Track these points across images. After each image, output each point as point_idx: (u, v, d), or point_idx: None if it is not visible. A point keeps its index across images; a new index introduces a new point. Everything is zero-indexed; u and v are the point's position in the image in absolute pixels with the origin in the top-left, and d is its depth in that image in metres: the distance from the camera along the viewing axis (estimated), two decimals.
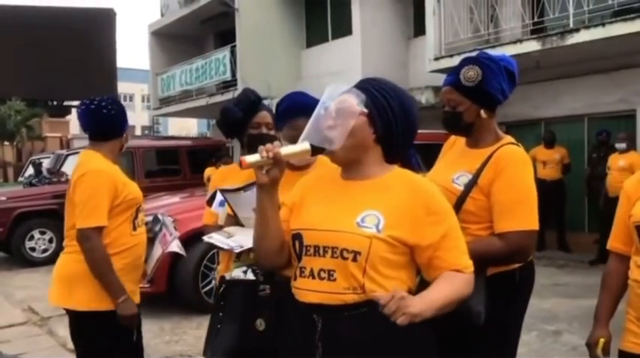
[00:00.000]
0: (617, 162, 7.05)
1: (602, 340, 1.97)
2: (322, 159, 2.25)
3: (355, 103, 1.53)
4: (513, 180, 1.94)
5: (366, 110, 1.54)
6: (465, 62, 2.06)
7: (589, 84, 8.18)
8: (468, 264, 1.54)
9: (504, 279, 1.98)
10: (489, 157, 1.98)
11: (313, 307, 1.50)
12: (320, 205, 1.58)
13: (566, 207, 8.18)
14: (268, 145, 1.49)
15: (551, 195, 8.04)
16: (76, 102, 17.43)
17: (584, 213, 8.23)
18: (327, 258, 1.48)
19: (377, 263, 1.45)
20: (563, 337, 4.52)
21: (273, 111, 2.58)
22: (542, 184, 8.04)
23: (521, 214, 1.92)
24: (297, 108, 2.19)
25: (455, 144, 2.24)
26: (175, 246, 2.72)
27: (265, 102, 2.67)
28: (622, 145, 7.08)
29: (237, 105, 2.58)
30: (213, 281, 5.52)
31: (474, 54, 2.16)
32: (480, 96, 2.02)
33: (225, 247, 2.03)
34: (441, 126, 2.19)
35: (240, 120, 2.56)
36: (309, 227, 1.54)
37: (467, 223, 1.93)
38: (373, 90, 1.57)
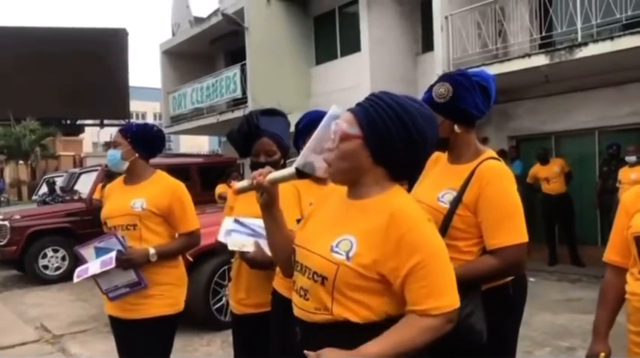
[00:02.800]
0: (628, 175, 7.02)
1: (602, 354, 1.97)
2: None
3: (348, 127, 1.49)
4: (498, 195, 1.95)
5: (360, 133, 1.48)
6: (439, 80, 2.10)
7: (599, 97, 8.16)
8: (437, 305, 1.39)
9: (498, 294, 1.99)
10: (472, 173, 1.99)
11: (297, 319, 1.57)
12: (314, 223, 1.62)
13: (576, 220, 8.13)
14: (255, 173, 1.62)
15: (558, 209, 8.01)
16: (89, 121, 17.63)
17: (597, 227, 8.16)
18: (305, 277, 1.52)
19: (344, 288, 1.42)
20: (578, 353, 4.45)
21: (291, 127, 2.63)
22: (548, 199, 8.04)
23: (512, 228, 1.93)
24: (316, 125, 2.26)
25: (438, 161, 2.24)
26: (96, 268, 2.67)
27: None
28: (632, 158, 7.05)
29: (238, 132, 2.64)
30: (224, 298, 5.53)
31: (478, 69, 2.19)
32: (452, 111, 2.04)
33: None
34: None
35: (242, 145, 2.63)
36: (299, 244, 1.59)
37: (456, 240, 1.96)
38: (370, 109, 1.49)
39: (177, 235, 2.83)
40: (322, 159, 1.54)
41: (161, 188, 2.81)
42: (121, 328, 2.84)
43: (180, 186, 2.85)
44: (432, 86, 2.10)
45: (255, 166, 2.65)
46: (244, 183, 1.64)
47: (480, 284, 1.94)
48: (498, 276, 1.99)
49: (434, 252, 1.42)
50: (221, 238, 2.52)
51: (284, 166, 2.74)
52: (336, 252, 1.45)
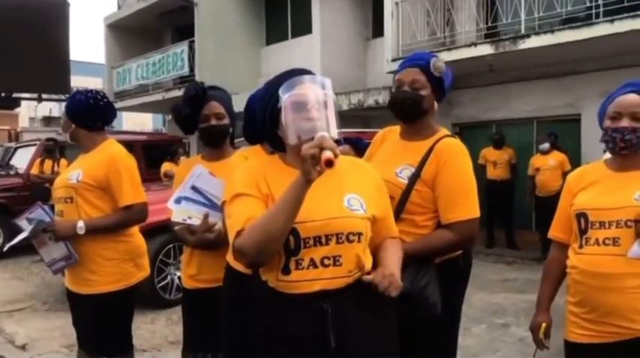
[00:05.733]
0: (546, 161, 7.54)
1: (544, 325, 2.11)
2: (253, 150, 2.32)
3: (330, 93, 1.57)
4: (456, 172, 2.04)
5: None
6: (432, 55, 2.15)
7: (539, 88, 8.50)
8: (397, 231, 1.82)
9: (450, 266, 2.09)
10: (430, 150, 2.06)
11: (317, 296, 1.53)
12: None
13: (514, 206, 8.48)
14: (327, 141, 1.41)
15: (500, 194, 8.33)
16: (26, 95, 16.80)
17: (532, 213, 8.54)
18: (331, 245, 1.53)
19: (366, 240, 1.62)
20: (511, 329, 4.71)
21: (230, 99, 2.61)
22: (492, 184, 8.33)
23: (466, 204, 2.03)
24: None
25: (386, 139, 2.28)
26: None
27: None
28: (546, 145, 7.57)
29: (184, 101, 2.59)
30: (169, 277, 5.49)
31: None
32: (439, 88, 2.12)
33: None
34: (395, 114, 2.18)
35: (189, 115, 2.58)
36: (303, 220, 1.52)
37: (413, 214, 2.03)
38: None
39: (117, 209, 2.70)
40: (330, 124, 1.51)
41: (99, 158, 2.69)
42: (74, 301, 2.80)
43: (119, 156, 2.70)
44: (423, 56, 2.14)
45: (206, 131, 2.59)
46: (331, 153, 1.40)
47: (434, 258, 2.03)
48: (453, 249, 2.08)
49: None
50: (169, 204, 2.49)
51: (232, 135, 2.72)
52: (356, 209, 1.57)
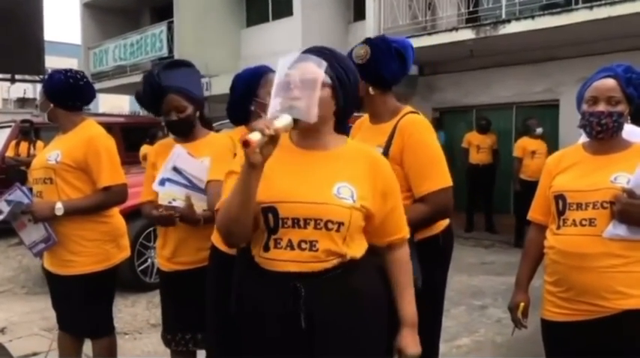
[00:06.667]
0: (543, 146, 7.39)
1: (522, 304, 2.17)
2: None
3: (321, 74, 1.53)
4: (420, 145, 2.08)
5: (330, 81, 1.58)
6: (360, 42, 2.19)
7: (518, 74, 8.58)
8: (407, 232, 1.77)
9: (430, 244, 2.13)
10: (394, 129, 2.10)
11: (292, 276, 1.53)
12: (289, 176, 1.58)
13: (495, 191, 8.59)
14: (261, 124, 1.39)
15: (481, 179, 8.43)
16: None
17: (510, 197, 8.67)
18: (309, 229, 1.52)
19: (353, 231, 1.59)
20: (489, 310, 4.81)
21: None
22: (474, 169, 8.42)
23: (436, 174, 2.07)
24: (252, 84, 2.40)
25: (362, 125, 2.35)
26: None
27: (203, 80, 2.67)
28: (540, 129, 7.43)
29: (143, 93, 2.57)
30: (149, 260, 5.46)
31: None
32: (368, 73, 2.12)
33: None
34: None
35: (152, 105, 2.58)
36: (284, 199, 1.53)
37: None
38: (334, 62, 1.60)
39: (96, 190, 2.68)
40: (295, 106, 1.49)
41: (78, 139, 2.66)
42: (54, 283, 2.78)
43: (98, 137, 2.67)
44: (353, 48, 2.18)
45: (168, 126, 2.60)
46: (256, 134, 1.37)
47: (413, 235, 2.05)
48: (429, 221, 2.11)
49: (399, 192, 1.74)
50: (155, 187, 2.48)
51: (203, 119, 2.70)
52: (343, 198, 1.55)
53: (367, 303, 1.62)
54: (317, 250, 1.52)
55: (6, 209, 2.65)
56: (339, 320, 1.56)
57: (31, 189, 2.73)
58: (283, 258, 1.54)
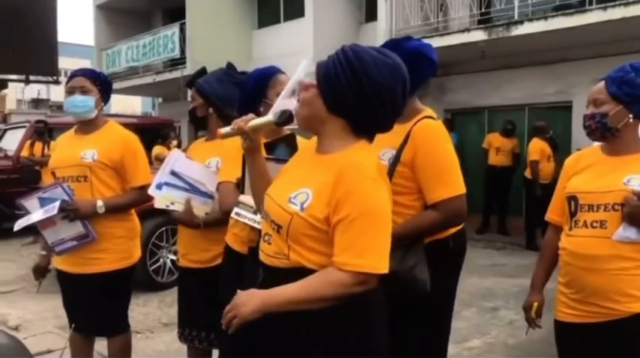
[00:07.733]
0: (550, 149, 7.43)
1: (535, 304, 2.17)
2: None
3: (300, 78, 1.65)
4: (434, 151, 2.05)
5: (313, 82, 1.56)
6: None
7: (531, 75, 8.53)
8: (351, 262, 1.42)
9: (439, 247, 2.11)
10: (408, 134, 2.07)
11: (261, 262, 1.63)
12: (282, 176, 1.68)
13: (511, 193, 8.52)
14: (238, 119, 1.69)
15: (498, 181, 8.39)
16: (13, 77, 16.59)
17: (522, 199, 8.61)
18: (268, 224, 1.61)
19: (298, 237, 1.49)
20: (501, 312, 4.79)
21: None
22: (492, 170, 8.38)
23: (448, 181, 2.04)
24: (262, 84, 2.40)
25: None
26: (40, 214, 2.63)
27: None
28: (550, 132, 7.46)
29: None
30: (161, 260, 5.50)
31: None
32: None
33: (256, 226, 2.02)
34: None
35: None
36: (268, 193, 1.65)
37: (398, 195, 2.02)
38: (329, 59, 1.56)
39: (129, 189, 2.76)
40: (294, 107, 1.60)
41: (113, 139, 2.73)
42: (71, 283, 2.78)
43: (133, 139, 2.78)
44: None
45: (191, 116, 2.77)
46: (228, 128, 1.72)
47: (423, 238, 2.05)
48: (440, 228, 2.09)
49: (366, 209, 1.43)
50: (151, 191, 2.52)
51: (219, 111, 2.73)
52: (293, 203, 1.52)
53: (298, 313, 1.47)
54: (270, 244, 1.59)
55: (37, 207, 2.62)
56: (276, 322, 1.50)
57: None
58: (262, 248, 1.64)
